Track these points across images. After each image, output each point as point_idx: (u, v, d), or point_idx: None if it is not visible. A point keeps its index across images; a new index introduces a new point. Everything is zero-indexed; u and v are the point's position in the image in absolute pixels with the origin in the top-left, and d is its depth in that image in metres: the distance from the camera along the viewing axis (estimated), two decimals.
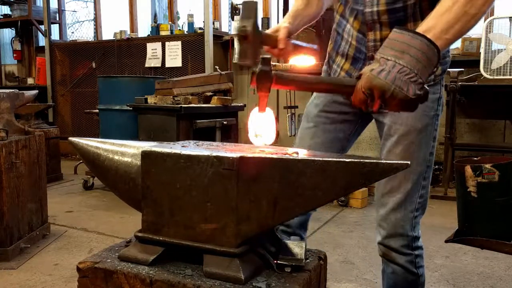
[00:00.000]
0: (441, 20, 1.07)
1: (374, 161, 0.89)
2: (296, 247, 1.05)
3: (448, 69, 4.73)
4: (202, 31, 5.81)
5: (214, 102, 4.25)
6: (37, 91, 3.72)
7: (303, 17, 1.50)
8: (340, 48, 1.50)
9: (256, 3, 1.21)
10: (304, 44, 1.48)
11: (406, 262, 1.48)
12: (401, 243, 1.46)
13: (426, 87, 1.05)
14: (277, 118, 5.24)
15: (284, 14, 4.68)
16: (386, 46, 1.07)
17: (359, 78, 1.08)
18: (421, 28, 1.08)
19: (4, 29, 7.87)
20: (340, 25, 1.51)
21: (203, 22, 5.74)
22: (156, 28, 6.35)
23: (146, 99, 4.15)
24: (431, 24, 1.07)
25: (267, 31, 1.42)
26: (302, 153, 0.99)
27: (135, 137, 4.14)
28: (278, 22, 5.58)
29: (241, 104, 4.67)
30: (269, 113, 1.12)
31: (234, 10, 5.90)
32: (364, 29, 1.40)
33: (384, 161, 0.89)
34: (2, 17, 7.47)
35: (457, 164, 2.33)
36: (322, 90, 1.35)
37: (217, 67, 5.10)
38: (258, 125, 1.09)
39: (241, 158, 0.94)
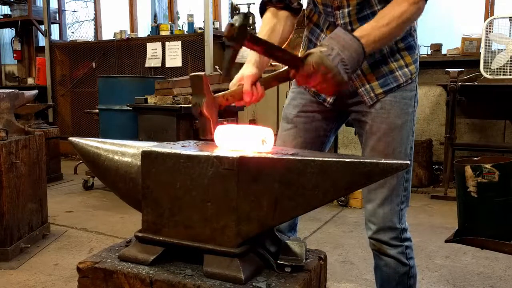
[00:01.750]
0: (376, 32, 1.29)
1: (374, 161, 0.89)
2: (296, 247, 1.05)
3: (448, 69, 4.75)
4: (202, 31, 5.81)
5: None
6: (37, 91, 3.72)
7: None
8: None
9: (201, 76, 1.19)
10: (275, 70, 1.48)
11: (397, 254, 1.54)
12: (390, 235, 1.53)
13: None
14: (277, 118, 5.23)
15: None
16: (332, 38, 1.23)
17: (307, 56, 1.21)
18: (360, 32, 1.27)
19: (4, 29, 7.87)
20: (314, 33, 1.58)
21: (203, 22, 5.73)
22: (156, 28, 6.34)
23: (146, 99, 4.14)
24: (368, 32, 1.28)
25: (231, 85, 1.39)
26: (302, 153, 0.99)
27: (135, 137, 4.14)
28: None
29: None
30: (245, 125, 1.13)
31: (234, 10, 5.90)
32: None
33: (384, 161, 0.88)
34: (2, 17, 7.46)
35: (457, 164, 2.33)
36: (279, 58, 1.38)
37: (217, 67, 5.10)
38: (262, 132, 1.08)
39: (241, 158, 0.94)
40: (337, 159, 0.90)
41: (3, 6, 7.73)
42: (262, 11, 1.56)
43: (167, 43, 6.10)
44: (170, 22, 6.46)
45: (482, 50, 4.33)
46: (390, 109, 1.48)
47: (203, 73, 1.21)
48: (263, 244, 1.04)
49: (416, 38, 1.54)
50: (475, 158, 2.44)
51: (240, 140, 1.07)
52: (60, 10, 7.25)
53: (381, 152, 1.49)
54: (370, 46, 1.27)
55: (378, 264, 1.60)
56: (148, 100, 4.13)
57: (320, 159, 0.91)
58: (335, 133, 1.67)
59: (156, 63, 6.19)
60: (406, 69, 1.49)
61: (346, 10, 1.43)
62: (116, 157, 1.11)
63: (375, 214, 1.53)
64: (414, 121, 1.53)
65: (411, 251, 1.58)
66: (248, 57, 1.42)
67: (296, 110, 1.60)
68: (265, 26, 1.51)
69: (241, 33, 1.09)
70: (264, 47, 1.19)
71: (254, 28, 5.77)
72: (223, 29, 6.59)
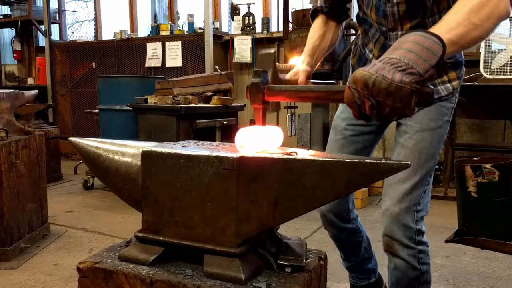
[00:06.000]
0: (446, 22, 1.08)
1: (374, 161, 0.89)
2: (297, 247, 1.05)
3: None
4: (202, 31, 5.81)
5: (214, 102, 4.25)
6: (37, 91, 3.72)
7: (320, 52, 1.62)
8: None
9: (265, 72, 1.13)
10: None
11: (408, 256, 1.50)
12: (403, 234, 1.49)
13: (429, 86, 0.95)
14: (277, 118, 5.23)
15: (284, 14, 4.67)
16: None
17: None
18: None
19: (4, 29, 7.87)
20: (364, 47, 1.64)
21: (203, 22, 5.73)
22: (156, 28, 6.35)
23: (146, 99, 4.14)
24: (437, 26, 1.08)
25: (288, 76, 1.48)
26: (302, 153, 0.99)
27: (135, 137, 4.14)
28: (278, 22, 5.59)
29: (241, 104, 4.67)
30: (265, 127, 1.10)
31: (234, 10, 5.89)
32: None
33: (384, 161, 0.88)
34: (2, 17, 7.46)
35: (457, 164, 2.33)
36: (313, 98, 1.26)
37: (217, 67, 5.09)
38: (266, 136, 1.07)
39: (241, 158, 0.94)
40: (337, 159, 0.90)
41: (3, 6, 7.73)
42: (313, 17, 1.68)
43: (167, 43, 6.10)
44: (170, 22, 6.47)
45: (482, 50, 4.32)
46: (426, 112, 1.50)
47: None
48: (263, 244, 1.04)
49: (462, 53, 1.53)
50: (475, 158, 2.44)
51: (262, 142, 1.05)
52: (60, 10, 7.24)
53: (409, 148, 1.51)
54: (444, 37, 1.00)
55: (389, 266, 1.58)
56: (148, 100, 4.13)
57: (320, 159, 0.91)
58: (379, 141, 1.76)
59: (156, 63, 6.20)
60: (448, 84, 1.51)
61: (400, 33, 1.47)
62: (116, 157, 1.11)
63: (390, 209, 1.52)
64: (446, 130, 1.57)
65: (425, 256, 1.54)
66: (302, 57, 1.58)
67: (344, 123, 1.68)
68: (316, 32, 1.63)
69: (256, 91, 1.08)
70: (288, 93, 1.12)
71: (254, 28, 5.77)
72: (223, 29, 6.62)
